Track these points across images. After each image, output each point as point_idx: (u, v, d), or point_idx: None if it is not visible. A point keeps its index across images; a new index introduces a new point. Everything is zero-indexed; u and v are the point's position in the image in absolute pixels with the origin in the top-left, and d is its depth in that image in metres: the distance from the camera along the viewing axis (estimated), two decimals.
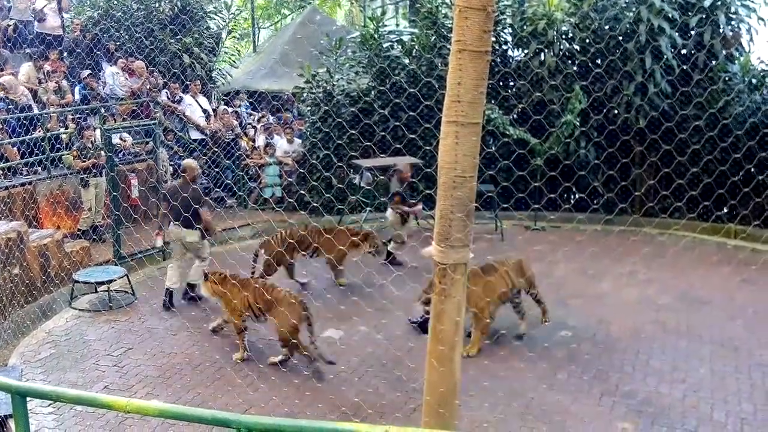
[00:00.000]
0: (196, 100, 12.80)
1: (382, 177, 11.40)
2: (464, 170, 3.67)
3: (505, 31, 12.36)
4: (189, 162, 8.38)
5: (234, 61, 16.22)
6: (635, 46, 10.80)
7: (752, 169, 9.76)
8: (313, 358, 6.44)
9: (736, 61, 11.08)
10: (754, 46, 11.19)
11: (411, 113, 10.91)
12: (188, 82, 12.87)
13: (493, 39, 10.89)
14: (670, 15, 10.71)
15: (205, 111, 12.86)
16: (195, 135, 12.56)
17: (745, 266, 8.56)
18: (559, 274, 8.97)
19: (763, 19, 11.07)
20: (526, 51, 12.03)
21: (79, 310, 8.13)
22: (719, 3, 10.82)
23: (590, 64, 11.53)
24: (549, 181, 10.60)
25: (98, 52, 12.61)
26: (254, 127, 13.61)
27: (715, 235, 10.44)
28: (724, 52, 10.93)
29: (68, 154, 10.36)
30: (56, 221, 9.96)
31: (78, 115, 11.22)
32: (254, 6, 20.21)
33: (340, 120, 11.68)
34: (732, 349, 6.82)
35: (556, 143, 11.07)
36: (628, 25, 11.04)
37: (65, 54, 12.74)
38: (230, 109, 13.74)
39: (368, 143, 11.29)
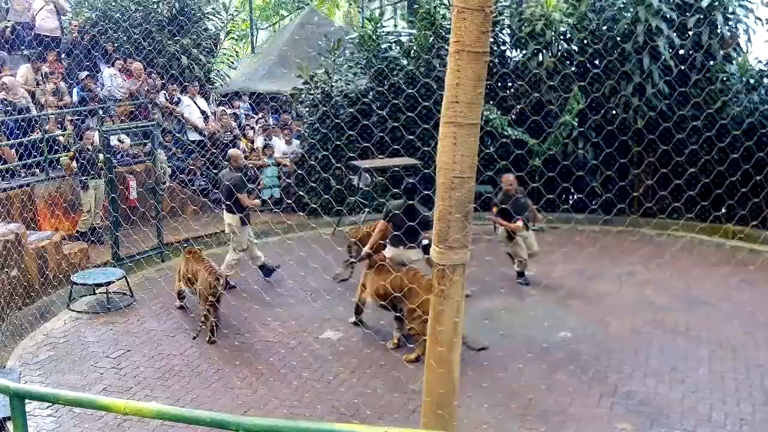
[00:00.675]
0: (195, 102, 12.80)
1: (380, 178, 11.41)
2: (463, 171, 3.67)
3: (504, 31, 12.38)
4: (233, 151, 9.18)
5: (232, 63, 16.22)
6: (633, 47, 10.82)
7: (750, 170, 9.71)
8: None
9: (734, 62, 11.09)
10: (752, 46, 11.22)
11: (409, 114, 10.92)
12: (186, 84, 12.86)
13: (492, 40, 10.90)
14: (667, 15, 10.73)
15: (203, 112, 12.86)
16: (193, 136, 12.55)
17: (743, 266, 8.57)
18: (557, 275, 8.99)
19: (760, 19, 11.09)
20: (524, 52, 12.04)
21: (78, 312, 8.12)
22: (717, 3, 10.84)
23: (588, 65, 11.55)
24: (547, 181, 10.60)
25: (96, 54, 12.60)
26: (252, 128, 13.60)
27: (713, 236, 10.45)
28: (721, 52, 10.95)
29: (65, 155, 10.35)
30: (54, 223, 9.95)
31: (76, 117, 11.21)
32: (252, 7, 20.20)
33: (338, 121, 11.68)
34: (730, 349, 6.82)
35: (554, 144, 11.08)
36: (626, 26, 11.05)
37: (63, 55, 12.73)
38: (229, 111, 13.73)
39: (367, 144, 11.30)
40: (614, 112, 11.22)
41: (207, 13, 14.79)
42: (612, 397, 5.96)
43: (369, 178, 11.79)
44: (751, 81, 10.84)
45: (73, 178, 10.06)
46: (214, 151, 12.05)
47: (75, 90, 11.88)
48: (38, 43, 12.70)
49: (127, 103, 12.18)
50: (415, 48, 12.49)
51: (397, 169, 11.07)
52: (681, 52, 11.16)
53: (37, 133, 10.24)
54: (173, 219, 10.72)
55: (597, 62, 11.69)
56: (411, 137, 9.39)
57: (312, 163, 12.07)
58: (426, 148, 9.98)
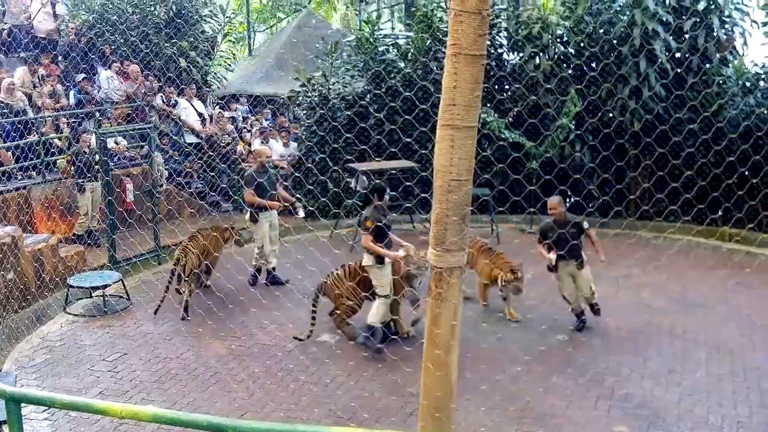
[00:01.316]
0: (192, 104, 12.79)
1: (377, 180, 11.40)
2: (460, 174, 3.67)
3: (501, 34, 12.40)
4: (259, 147, 10.01)
5: (229, 65, 16.20)
6: (630, 50, 10.84)
7: (746, 172, 9.78)
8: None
9: (730, 65, 11.12)
10: (748, 49, 11.24)
11: (406, 117, 10.93)
12: (183, 86, 12.85)
13: (489, 42, 10.92)
14: (664, 18, 10.76)
15: (200, 115, 12.85)
16: (190, 139, 12.53)
17: (740, 269, 8.58)
18: (554, 278, 8.98)
19: (756, 23, 11.13)
20: (521, 54, 12.06)
21: (74, 315, 8.09)
22: (713, 6, 10.87)
23: (585, 68, 11.56)
24: (544, 184, 10.61)
25: (93, 56, 12.58)
26: (249, 131, 13.59)
27: (709, 238, 10.47)
28: (718, 55, 10.98)
29: (62, 158, 10.34)
30: (51, 226, 9.93)
31: (73, 120, 11.19)
32: (250, 9, 20.19)
33: (335, 123, 11.68)
34: (727, 352, 6.83)
35: (551, 147, 11.09)
36: (622, 29, 11.08)
37: (60, 58, 12.71)
38: (226, 113, 13.72)
39: (364, 147, 11.30)
40: (611, 115, 11.24)
41: (204, 15, 14.79)
42: (609, 399, 5.97)
43: (366, 181, 11.78)
44: (747, 84, 10.86)
45: (70, 181, 10.05)
46: (211, 153, 12.03)
47: (72, 92, 11.86)
48: (35, 45, 12.69)
49: (124, 105, 12.16)
50: (412, 51, 12.50)
51: (394, 171, 11.07)
52: (677, 55, 11.19)
53: (34, 135, 10.22)
54: (170, 222, 10.70)
55: (594, 65, 11.70)
56: (408, 140, 9.37)
57: (309, 165, 12.07)
58: (423, 151, 9.97)
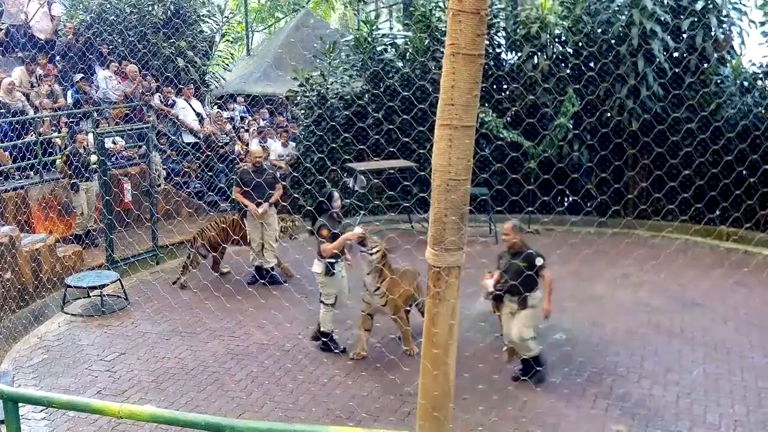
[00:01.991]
0: (190, 104, 12.78)
1: (376, 180, 11.41)
2: (458, 173, 3.67)
3: (499, 34, 12.40)
4: (252, 147, 10.41)
5: (227, 65, 16.20)
6: (628, 49, 10.85)
7: (744, 172, 9.81)
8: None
9: (728, 64, 11.13)
10: (746, 49, 11.26)
11: (405, 116, 10.94)
12: (181, 86, 12.85)
13: (487, 42, 10.91)
14: (662, 18, 10.77)
15: (198, 114, 12.84)
16: (188, 138, 12.53)
17: (737, 268, 8.59)
18: (552, 277, 8.98)
19: (754, 22, 11.14)
20: (519, 54, 12.06)
21: (72, 314, 8.08)
22: (711, 6, 10.88)
23: (583, 68, 11.58)
24: (542, 183, 10.62)
25: (91, 56, 12.57)
26: (246, 130, 13.59)
27: (707, 238, 10.47)
28: (715, 55, 11.00)
29: (58, 158, 10.33)
30: (48, 226, 9.92)
31: (70, 119, 11.18)
32: (248, 9, 20.19)
33: (333, 123, 11.68)
34: (725, 351, 6.84)
35: (549, 146, 11.09)
36: (620, 29, 11.09)
37: (58, 57, 12.70)
38: (224, 113, 13.72)
39: (362, 146, 11.30)
40: (609, 114, 11.25)
41: (202, 15, 14.78)
42: (607, 398, 5.97)
43: (364, 181, 11.79)
44: (745, 83, 10.88)
45: (67, 181, 10.03)
46: (209, 153, 12.02)
47: (70, 92, 11.85)
48: (32, 45, 12.68)
49: (121, 105, 12.15)
50: (410, 50, 12.50)
51: (392, 171, 11.07)
52: (675, 54, 11.20)
53: (32, 135, 10.21)
54: (168, 221, 10.69)
55: (592, 65, 11.72)
56: (406, 139, 9.39)
57: (307, 165, 12.07)
58: (421, 151, 9.96)
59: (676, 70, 10.57)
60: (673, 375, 6.37)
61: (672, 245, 9.85)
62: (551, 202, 11.79)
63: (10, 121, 10.07)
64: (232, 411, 5.83)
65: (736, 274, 8.43)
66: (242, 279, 8.79)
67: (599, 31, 11.46)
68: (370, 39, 12.56)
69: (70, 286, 8.20)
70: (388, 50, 12.71)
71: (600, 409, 5.82)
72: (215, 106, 14.50)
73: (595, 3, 11.58)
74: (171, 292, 8.20)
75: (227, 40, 17.35)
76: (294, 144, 12.71)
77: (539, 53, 11.88)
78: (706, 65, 11.10)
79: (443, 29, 11.36)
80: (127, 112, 12.21)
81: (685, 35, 11.03)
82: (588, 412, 5.77)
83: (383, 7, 22.97)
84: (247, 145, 13.07)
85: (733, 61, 11.13)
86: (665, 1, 11.11)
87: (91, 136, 9.92)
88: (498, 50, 12.44)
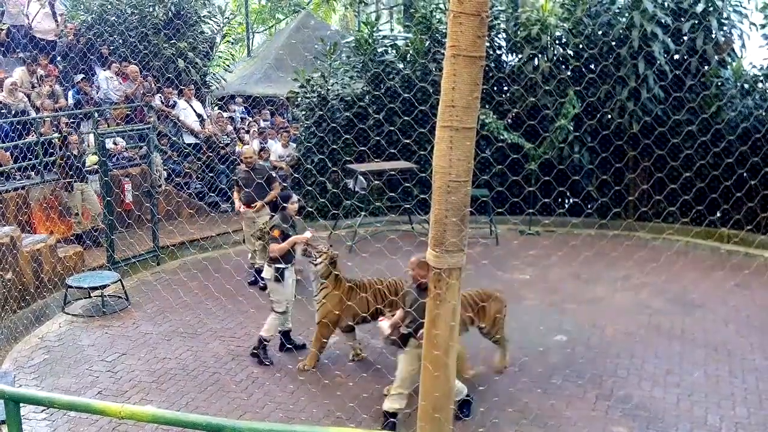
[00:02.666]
0: (190, 105, 12.79)
1: (376, 182, 11.41)
2: (459, 175, 3.68)
3: (499, 36, 12.41)
4: (243, 148, 10.36)
5: (228, 66, 16.21)
6: (628, 52, 10.86)
7: (745, 174, 9.81)
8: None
9: (729, 67, 11.14)
10: (746, 51, 11.26)
11: (405, 118, 10.94)
12: (182, 87, 12.86)
13: (487, 44, 10.94)
14: (662, 20, 10.78)
15: (199, 115, 12.85)
16: (189, 139, 12.53)
17: (738, 270, 8.59)
18: (553, 279, 9.00)
19: (754, 25, 11.15)
20: (520, 56, 12.07)
21: (73, 315, 8.09)
22: (711, 9, 10.89)
23: (584, 69, 11.58)
24: (543, 185, 10.63)
25: (92, 57, 12.58)
26: (247, 131, 13.59)
27: (708, 240, 10.48)
28: (716, 57, 11.00)
29: (58, 158, 10.32)
30: (49, 226, 9.92)
31: (71, 120, 11.18)
32: (248, 10, 20.20)
33: (334, 125, 11.68)
34: (726, 353, 6.84)
35: (550, 148, 11.10)
36: (621, 31, 11.10)
37: (59, 58, 12.71)
38: (225, 114, 13.72)
39: (363, 148, 11.30)
40: (609, 116, 11.26)
41: (203, 16, 14.79)
42: (608, 400, 5.97)
43: (365, 182, 11.80)
44: (746, 86, 10.89)
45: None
46: (210, 154, 12.03)
47: (71, 93, 11.85)
48: (33, 45, 12.69)
49: (122, 106, 12.16)
50: (411, 52, 12.51)
51: (393, 172, 11.08)
52: (676, 57, 11.21)
53: (32, 135, 10.21)
54: (169, 222, 10.70)
55: (592, 67, 11.71)
56: (407, 141, 9.39)
57: (308, 166, 12.07)
58: (422, 152, 9.99)
59: (677, 73, 10.59)
60: (673, 377, 6.37)
61: (673, 247, 9.86)
62: (552, 204, 11.79)
63: (11, 121, 10.08)
64: (233, 412, 5.83)
65: (737, 276, 8.44)
66: (242, 280, 8.81)
67: (600, 33, 11.48)
68: (370, 40, 12.57)
69: (71, 287, 8.20)
70: (389, 52, 12.72)
71: (601, 411, 5.82)
72: (216, 107, 14.50)
73: (595, 5, 11.59)
74: (172, 293, 8.20)
75: (228, 41, 17.35)
76: (295, 145, 12.72)
77: (540, 55, 11.88)
78: (706, 68, 11.10)
79: (444, 31, 11.35)
80: (128, 112, 12.22)
81: (685, 37, 11.04)
82: (588, 414, 5.77)
83: (384, 9, 22.99)
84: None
85: (734, 64, 11.13)
86: (666, 4, 11.12)
87: (91, 136, 9.92)
88: (499, 52, 12.45)
